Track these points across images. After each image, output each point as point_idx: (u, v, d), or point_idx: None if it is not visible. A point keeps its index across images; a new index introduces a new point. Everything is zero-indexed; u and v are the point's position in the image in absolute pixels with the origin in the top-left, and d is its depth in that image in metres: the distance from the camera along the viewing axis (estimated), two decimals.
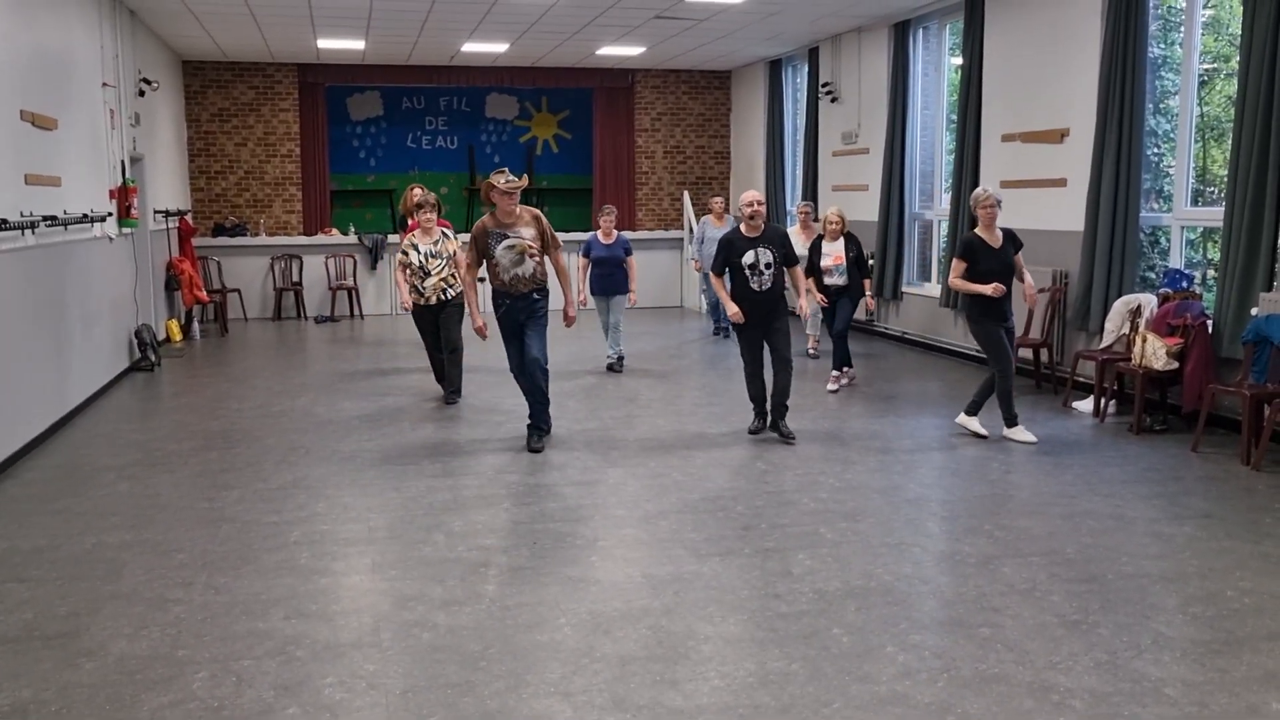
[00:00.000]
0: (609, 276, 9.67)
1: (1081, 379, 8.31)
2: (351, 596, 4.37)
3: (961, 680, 3.58)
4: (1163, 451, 6.72)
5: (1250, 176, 6.82)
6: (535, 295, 6.71)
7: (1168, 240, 8.20)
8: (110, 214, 9.28)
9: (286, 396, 8.53)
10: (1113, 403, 7.77)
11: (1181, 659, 3.74)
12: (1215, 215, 7.55)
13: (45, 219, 7.18)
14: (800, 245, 9.55)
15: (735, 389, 8.69)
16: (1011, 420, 7.00)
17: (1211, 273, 8.06)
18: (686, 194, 15.29)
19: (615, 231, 9.75)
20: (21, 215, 6.78)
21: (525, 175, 6.81)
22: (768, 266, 6.76)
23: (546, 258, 6.72)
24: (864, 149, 12.11)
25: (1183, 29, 7.88)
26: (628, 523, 5.33)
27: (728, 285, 7.02)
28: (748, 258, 6.77)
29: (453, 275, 8.07)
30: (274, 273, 14.15)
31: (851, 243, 8.77)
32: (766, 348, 6.95)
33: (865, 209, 11.98)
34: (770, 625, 4.04)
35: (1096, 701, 3.43)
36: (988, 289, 6.72)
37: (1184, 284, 7.49)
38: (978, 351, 9.89)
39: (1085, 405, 7.93)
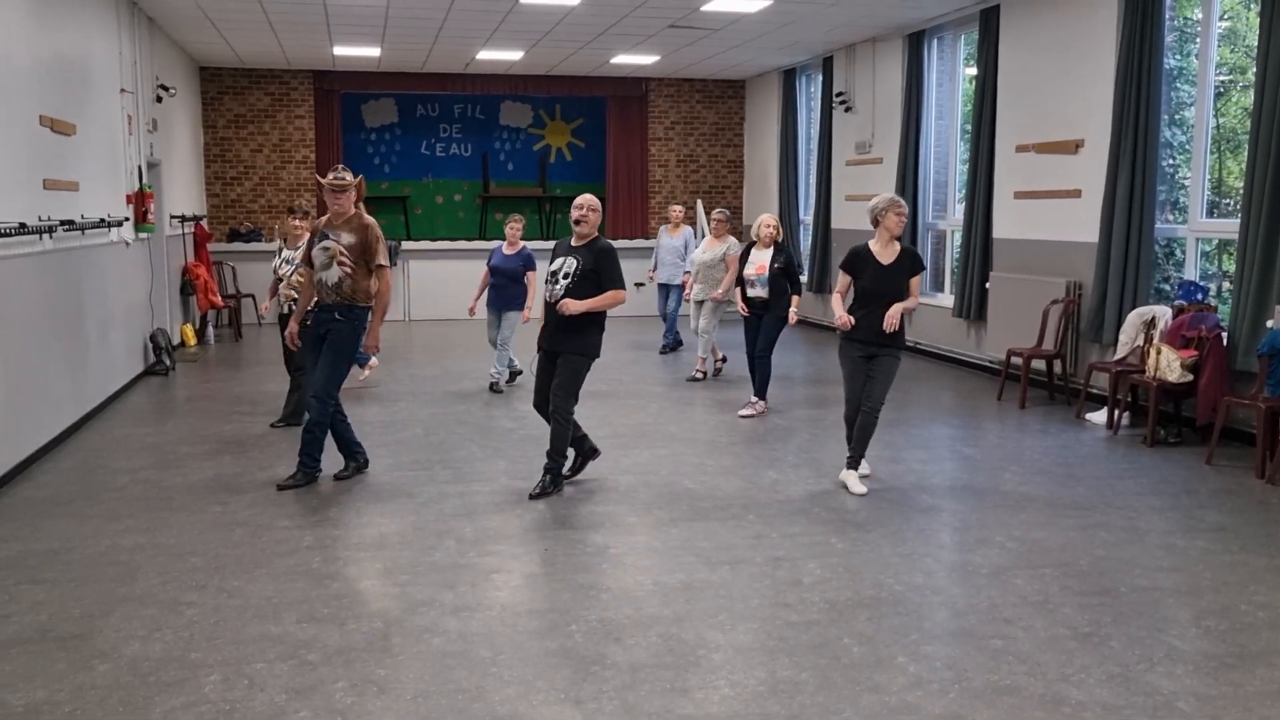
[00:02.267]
0: (502, 290, 9.01)
1: (1095, 390, 8.28)
2: (363, 601, 4.38)
3: (973, 691, 3.57)
4: (1177, 464, 6.69)
5: (1266, 188, 6.80)
6: (337, 314, 5.96)
7: (1183, 252, 8.18)
8: (127, 219, 9.35)
9: None
10: (1126, 415, 7.74)
11: (1194, 673, 3.72)
12: (1231, 227, 7.52)
13: (63, 223, 7.24)
14: (702, 251, 9.53)
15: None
16: (852, 460, 6.16)
17: (1227, 285, 8.03)
18: (700, 203, 15.31)
19: (521, 243, 9.10)
20: (39, 220, 6.84)
21: (360, 175, 6.18)
22: (565, 277, 5.79)
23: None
24: (877, 159, 12.11)
25: (1199, 40, 7.86)
26: (639, 530, 5.33)
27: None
28: (555, 264, 5.92)
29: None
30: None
31: (780, 253, 8.15)
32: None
33: None
34: (780, 634, 4.03)
35: (1108, 714, 3.41)
36: (835, 318, 6.08)
37: (1199, 296, 7.46)
38: (990, 361, 9.89)
39: (1099, 417, 7.90)
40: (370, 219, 6.13)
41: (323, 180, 6.07)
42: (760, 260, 8.17)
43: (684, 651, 3.87)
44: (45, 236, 6.92)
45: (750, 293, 8.20)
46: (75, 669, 3.73)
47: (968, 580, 4.63)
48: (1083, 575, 4.68)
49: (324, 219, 6.20)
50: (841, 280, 6.20)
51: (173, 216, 11.65)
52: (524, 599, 4.41)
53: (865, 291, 6.06)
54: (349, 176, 6.07)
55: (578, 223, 5.88)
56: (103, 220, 8.29)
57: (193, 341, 11.86)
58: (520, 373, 9.40)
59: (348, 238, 6.01)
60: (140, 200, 9.68)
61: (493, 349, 9.26)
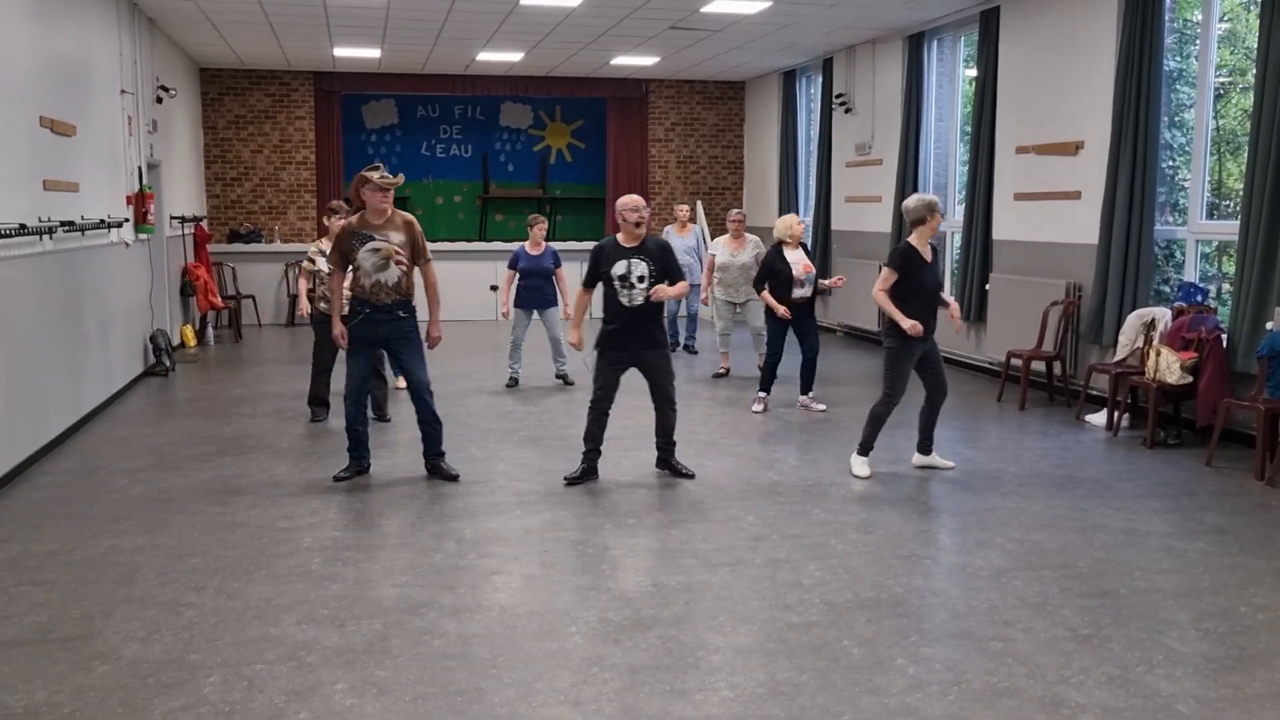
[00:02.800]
0: (536, 289, 9.23)
1: (1095, 392, 8.29)
2: (363, 603, 4.38)
3: (972, 694, 3.57)
4: (1176, 466, 6.69)
5: (1266, 190, 6.80)
6: (400, 312, 6.12)
7: (1182, 254, 8.18)
8: (127, 220, 9.35)
9: (299, 402, 8.54)
10: (1126, 416, 7.74)
11: (1194, 675, 3.72)
12: (1230, 229, 7.52)
13: (63, 224, 7.24)
14: (727, 254, 9.54)
15: (746, 396, 8.69)
16: (863, 448, 6.43)
17: (1226, 287, 8.03)
18: (700, 204, 15.31)
19: (544, 242, 9.34)
20: (40, 220, 6.84)
21: (400, 175, 6.18)
22: (640, 280, 6.03)
23: (417, 270, 6.18)
24: (877, 160, 12.12)
25: (1198, 42, 7.86)
26: (638, 531, 5.34)
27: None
28: (618, 268, 6.05)
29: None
30: (288, 279, 14.21)
31: (806, 251, 8.49)
32: (646, 384, 6.31)
33: (878, 220, 11.98)
34: (780, 636, 4.03)
35: (1108, 716, 3.41)
36: (906, 326, 6.03)
37: (1199, 298, 7.46)
38: (989, 363, 9.89)
39: (1098, 419, 7.90)
40: (409, 215, 6.19)
41: (370, 178, 5.95)
42: (802, 260, 8.31)
43: (683, 653, 3.88)
44: (45, 237, 6.93)
45: (797, 293, 8.27)
46: (75, 670, 3.73)
47: (967, 582, 4.63)
48: (1082, 577, 4.68)
49: (355, 219, 6.10)
50: (888, 277, 6.22)
51: (173, 217, 11.66)
52: (523, 600, 4.41)
53: (916, 290, 6.20)
54: (391, 176, 6.05)
55: (638, 224, 6.13)
56: (103, 221, 8.30)
57: (193, 342, 11.86)
58: (517, 381, 9.41)
59: (397, 236, 6.03)
60: (140, 201, 9.68)
61: (516, 347, 9.34)
